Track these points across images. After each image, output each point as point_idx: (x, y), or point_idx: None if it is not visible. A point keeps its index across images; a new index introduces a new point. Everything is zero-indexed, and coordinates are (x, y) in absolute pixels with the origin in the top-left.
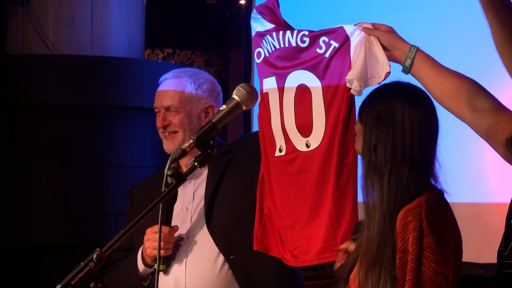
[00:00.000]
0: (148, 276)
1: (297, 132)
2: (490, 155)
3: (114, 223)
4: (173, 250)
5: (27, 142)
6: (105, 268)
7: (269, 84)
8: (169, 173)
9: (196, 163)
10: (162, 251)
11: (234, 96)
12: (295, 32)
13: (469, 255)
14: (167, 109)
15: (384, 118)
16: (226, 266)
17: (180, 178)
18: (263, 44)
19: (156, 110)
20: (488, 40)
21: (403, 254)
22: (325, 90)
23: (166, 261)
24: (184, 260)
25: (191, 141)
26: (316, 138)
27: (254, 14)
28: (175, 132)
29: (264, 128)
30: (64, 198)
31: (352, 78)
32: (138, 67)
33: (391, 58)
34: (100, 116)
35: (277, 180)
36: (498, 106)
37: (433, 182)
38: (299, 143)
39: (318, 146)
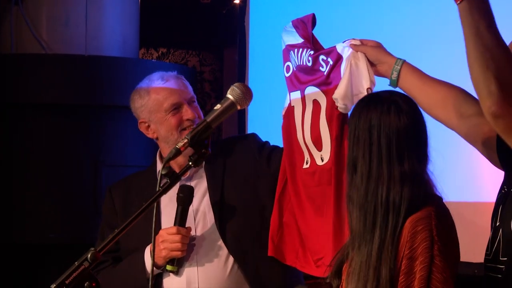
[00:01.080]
0: (154, 277)
1: (314, 146)
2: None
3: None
4: None
5: (21, 142)
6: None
7: (295, 98)
8: (163, 172)
9: (190, 163)
10: (179, 253)
11: (229, 96)
12: (306, 50)
13: (463, 254)
14: (190, 101)
15: (361, 135)
16: (236, 267)
17: (175, 177)
18: (291, 58)
19: (174, 108)
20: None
21: (410, 262)
22: (326, 106)
23: (179, 263)
24: (195, 260)
25: (186, 140)
26: (326, 152)
27: (289, 27)
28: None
29: (292, 140)
30: (58, 197)
31: (336, 97)
32: (133, 66)
33: (378, 73)
34: (95, 116)
35: (306, 191)
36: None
37: (434, 189)
38: (317, 156)
39: (328, 161)
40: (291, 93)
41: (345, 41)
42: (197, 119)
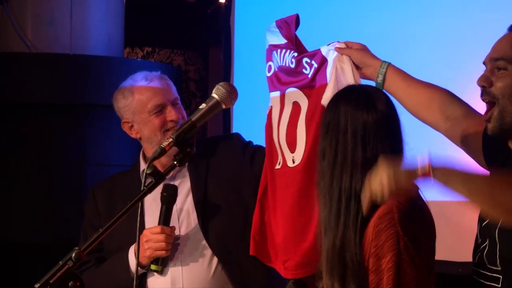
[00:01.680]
0: (138, 277)
1: (287, 147)
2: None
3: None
4: None
5: (5, 141)
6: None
7: (274, 98)
8: (148, 172)
9: (175, 162)
10: (163, 252)
11: (214, 95)
12: (289, 52)
13: (446, 253)
14: (174, 102)
15: (330, 126)
16: (221, 267)
17: (159, 176)
18: (273, 58)
19: (158, 109)
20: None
21: (377, 260)
22: (308, 108)
23: (163, 263)
24: (180, 260)
25: (171, 139)
26: (299, 154)
27: (273, 27)
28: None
29: (270, 140)
30: (43, 196)
31: (324, 103)
32: (118, 65)
33: (364, 76)
34: (80, 115)
35: (278, 192)
36: (469, 112)
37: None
38: (289, 158)
39: (299, 163)
40: (270, 93)
41: (330, 44)
42: (180, 120)
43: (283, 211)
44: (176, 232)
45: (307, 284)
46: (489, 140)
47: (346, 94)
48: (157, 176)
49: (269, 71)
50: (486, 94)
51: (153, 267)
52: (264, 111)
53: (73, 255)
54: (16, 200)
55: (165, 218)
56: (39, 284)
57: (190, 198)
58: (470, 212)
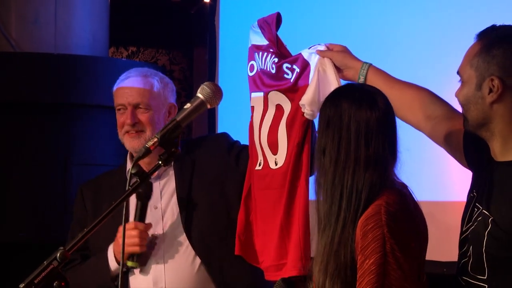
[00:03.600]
0: (116, 277)
1: (269, 149)
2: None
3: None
4: (150, 249)
5: None
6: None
7: (256, 98)
8: (133, 171)
9: (160, 162)
10: (137, 248)
11: (199, 95)
12: (270, 56)
13: (431, 253)
14: (136, 106)
15: (332, 121)
16: (203, 267)
17: (144, 176)
18: (256, 59)
19: (119, 108)
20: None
21: (364, 259)
22: (290, 112)
23: (139, 259)
24: (162, 260)
25: (156, 139)
26: (281, 157)
27: (255, 26)
28: (142, 131)
29: (251, 140)
30: (27, 197)
31: (303, 103)
32: (102, 65)
33: (345, 78)
34: (64, 114)
35: (257, 193)
36: (451, 112)
37: (395, 179)
38: (271, 160)
39: (281, 165)
40: (252, 93)
41: (311, 47)
42: (139, 126)
43: (262, 213)
44: (160, 232)
45: (295, 283)
46: (469, 140)
47: (347, 91)
48: (142, 176)
49: (251, 71)
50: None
51: (129, 263)
52: (249, 111)
53: (58, 255)
54: (3, 201)
55: (140, 214)
56: (23, 284)
57: (174, 198)
58: (455, 212)
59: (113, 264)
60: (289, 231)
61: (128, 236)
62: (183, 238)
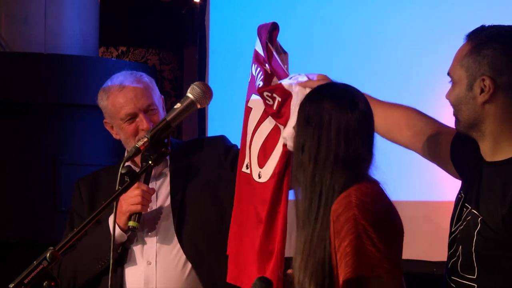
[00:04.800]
0: (119, 246)
1: (256, 160)
2: None
3: (67, 221)
4: (142, 246)
5: None
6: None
7: (257, 101)
8: (123, 171)
9: (150, 162)
10: (139, 206)
11: (189, 95)
12: (259, 76)
13: (421, 253)
14: (147, 109)
15: (312, 119)
16: (194, 271)
17: (134, 176)
18: (253, 68)
19: (128, 118)
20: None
21: (340, 242)
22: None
23: (139, 219)
24: (154, 260)
25: (146, 139)
26: (266, 172)
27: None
28: (143, 130)
29: (243, 140)
30: (16, 196)
31: (285, 136)
32: (92, 65)
33: None
34: (54, 114)
35: (244, 198)
36: (438, 126)
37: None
38: (255, 170)
39: (265, 182)
40: (253, 94)
41: (291, 77)
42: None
43: (242, 218)
44: (153, 232)
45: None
46: (456, 144)
47: (329, 91)
48: (132, 176)
49: (255, 71)
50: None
51: (130, 223)
52: (240, 110)
53: (48, 254)
54: None
55: (144, 178)
56: (13, 284)
57: (169, 200)
58: (446, 213)
59: (116, 231)
60: (269, 250)
61: (131, 195)
62: (175, 241)
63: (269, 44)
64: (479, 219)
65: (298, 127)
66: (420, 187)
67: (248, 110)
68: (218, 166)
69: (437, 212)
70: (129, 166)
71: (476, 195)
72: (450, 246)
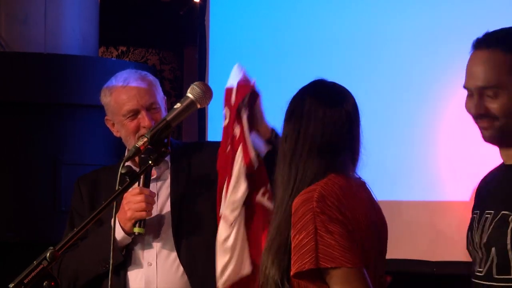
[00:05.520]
0: (123, 248)
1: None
2: (442, 155)
3: (67, 221)
4: (143, 247)
5: None
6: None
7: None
8: (123, 171)
9: (150, 162)
10: (143, 213)
11: (189, 95)
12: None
13: (421, 253)
14: (150, 107)
15: (295, 113)
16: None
17: (134, 176)
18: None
19: (130, 114)
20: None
21: (294, 236)
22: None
23: (144, 224)
24: (155, 261)
25: (145, 139)
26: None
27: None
28: None
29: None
30: (16, 196)
31: (223, 212)
32: (92, 64)
33: None
34: (54, 114)
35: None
36: None
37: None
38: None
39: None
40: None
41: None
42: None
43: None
44: (154, 235)
45: None
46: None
47: (314, 87)
48: (132, 176)
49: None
50: (484, 119)
51: (136, 229)
52: None
53: (48, 254)
54: None
55: (144, 182)
56: (13, 284)
57: (168, 202)
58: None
59: (119, 232)
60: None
61: (135, 201)
62: (173, 247)
63: (242, 111)
64: (510, 217)
65: (284, 121)
66: (419, 187)
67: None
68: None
69: (436, 212)
70: (129, 166)
71: (502, 196)
72: (479, 257)
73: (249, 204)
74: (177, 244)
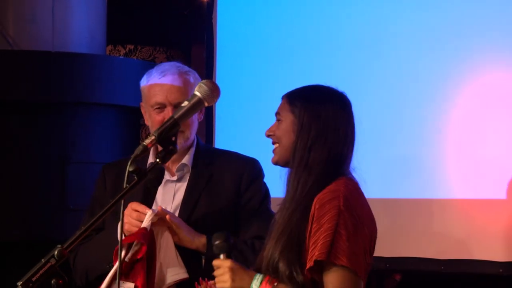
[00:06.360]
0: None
1: None
2: (450, 153)
3: (75, 220)
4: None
5: None
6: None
7: None
8: (130, 169)
9: (158, 160)
10: (136, 229)
11: (196, 93)
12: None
13: (429, 251)
14: (178, 105)
15: (322, 119)
16: None
17: (142, 175)
18: None
19: (157, 107)
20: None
21: (318, 227)
22: None
23: None
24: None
25: (153, 137)
26: None
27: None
28: (182, 131)
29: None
30: (24, 195)
31: None
32: (100, 63)
33: None
34: (62, 113)
35: None
36: None
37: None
38: None
39: None
40: None
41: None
42: (182, 126)
43: None
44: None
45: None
46: None
47: (331, 94)
48: (140, 174)
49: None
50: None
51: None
52: (247, 109)
53: (56, 252)
54: None
55: (143, 197)
56: (21, 282)
57: (179, 209)
58: (455, 211)
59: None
60: None
61: (131, 216)
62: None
63: None
64: None
65: (305, 123)
66: (427, 185)
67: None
68: (235, 193)
69: (445, 210)
70: (136, 164)
71: None
72: None
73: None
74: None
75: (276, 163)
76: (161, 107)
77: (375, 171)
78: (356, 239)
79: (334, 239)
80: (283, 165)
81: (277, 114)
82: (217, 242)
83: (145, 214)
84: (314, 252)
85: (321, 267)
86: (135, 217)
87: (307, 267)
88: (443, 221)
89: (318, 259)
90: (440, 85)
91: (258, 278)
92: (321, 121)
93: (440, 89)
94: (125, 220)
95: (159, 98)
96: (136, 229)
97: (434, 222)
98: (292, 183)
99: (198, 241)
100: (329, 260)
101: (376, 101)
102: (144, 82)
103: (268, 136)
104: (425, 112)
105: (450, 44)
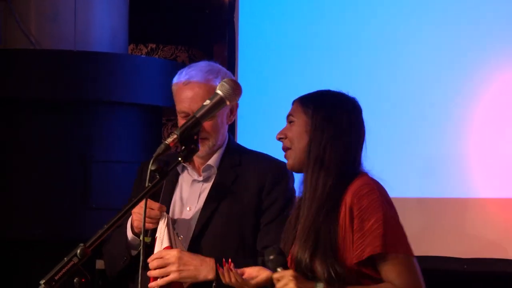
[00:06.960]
0: (137, 245)
1: None
2: (473, 152)
3: (97, 218)
4: (171, 242)
5: (9, 137)
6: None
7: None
8: (152, 168)
9: (180, 158)
10: (147, 224)
11: (218, 91)
12: None
13: (452, 250)
14: None
15: (336, 121)
16: None
17: (164, 174)
18: None
19: (182, 114)
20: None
21: (361, 222)
22: None
23: (152, 234)
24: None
25: (175, 136)
26: None
27: None
28: (206, 138)
29: None
30: (47, 194)
31: None
32: (122, 61)
33: None
34: (84, 111)
35: None
36: None
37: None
38: None
39: None
40: None
41: None
42: (203, 133)
43: None
44: (185, 232)
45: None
46: None
47: (343, 98)
48: (162, 173)
49: None
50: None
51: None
52: (269, 108)
53: (78, 251)
54: (20, 197)
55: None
56: (44, 281)
57: (199, 211)
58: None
59: (129, 234)
60: None
61: (139, 213)
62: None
63: None
64: None
65: (318, 123)
66: (449, 184)
67: None
68: (258, 193)
69: (467, 209)
70: (159, 162)
71: None
72: None
73: None
74: (189, 249)
75: (292, 167)
76: (186, 115)
77: (398, 170)
78: (401, 225)
79: (385, 229)
80: (298, 169)
81: (289, 116)
82: (271, 257)
83: (153, 209)
84: (365, 246)
85: (372, 260)
86: (141, 211)
87: (355, 261)
88: (466, 220)
89: (375, 253)
90: (464, 84)
91: (319, 286)
92: (334, 122)
93: (464, 88)
94: (134, 216)
95: (183, 107)
96: (139, 223)
97: (458, 221)
98: (310, 183)
99: (205, 271)
100: (387, 251)
101: (400, 100)
102: (174, 80)
103: (279, 139)
104: (449, 111)
105: (474, 42)
